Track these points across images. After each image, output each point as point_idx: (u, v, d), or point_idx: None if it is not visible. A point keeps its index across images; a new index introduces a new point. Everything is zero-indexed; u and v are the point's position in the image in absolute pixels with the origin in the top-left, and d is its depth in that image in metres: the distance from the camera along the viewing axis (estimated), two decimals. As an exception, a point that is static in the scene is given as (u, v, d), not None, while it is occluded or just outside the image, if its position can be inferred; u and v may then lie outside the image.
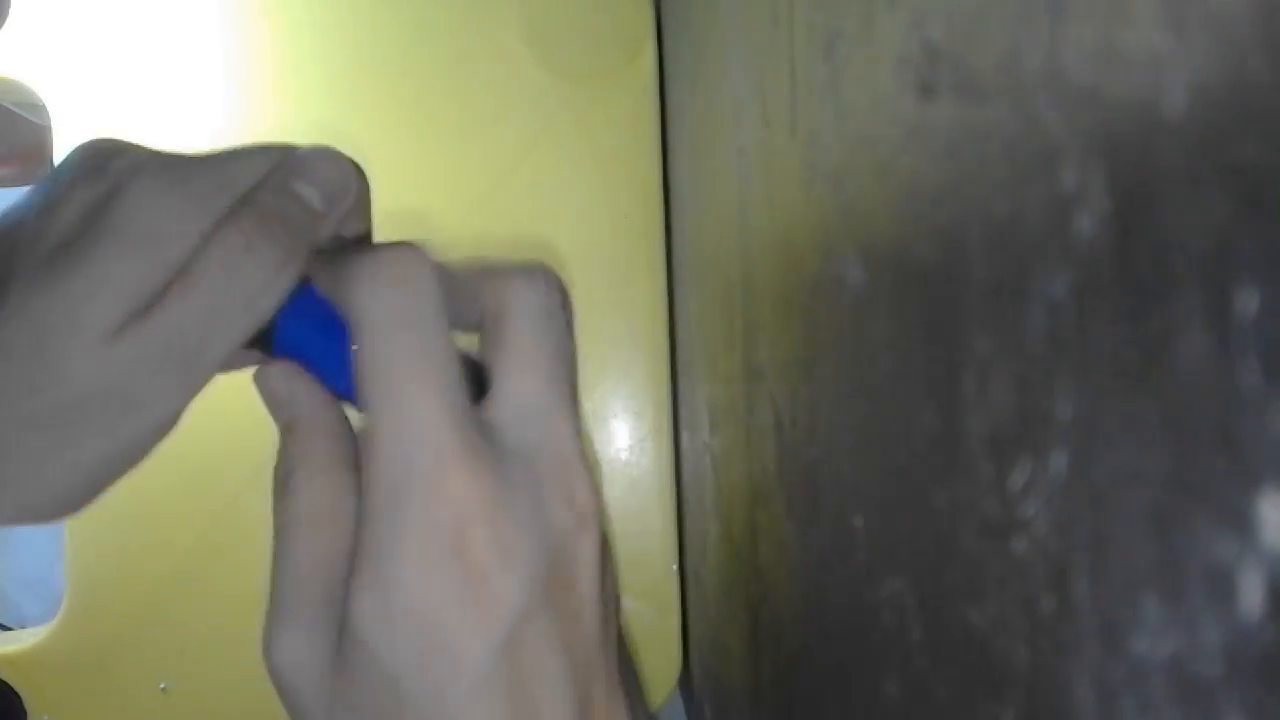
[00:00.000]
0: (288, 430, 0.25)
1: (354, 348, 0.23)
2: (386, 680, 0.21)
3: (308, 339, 0.26)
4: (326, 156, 0.27)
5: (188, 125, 0.53)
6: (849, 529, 0.24)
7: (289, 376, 0.25)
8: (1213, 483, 0.11)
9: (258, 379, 0.26)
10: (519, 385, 0.24)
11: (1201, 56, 0.11)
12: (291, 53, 0.53)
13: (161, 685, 0.52)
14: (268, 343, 0.26)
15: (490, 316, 0.25)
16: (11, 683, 0.52)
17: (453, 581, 0.21)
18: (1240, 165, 0.11)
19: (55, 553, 0.53)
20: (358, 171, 0.27)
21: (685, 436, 0.52)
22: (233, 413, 0.53)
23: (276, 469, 0.25)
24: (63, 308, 0.24)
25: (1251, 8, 0.10)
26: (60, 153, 0.52)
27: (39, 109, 0.53)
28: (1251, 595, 0.11)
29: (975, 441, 0.17)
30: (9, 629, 0.57)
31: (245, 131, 0.52)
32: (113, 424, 0.25)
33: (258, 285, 0.24)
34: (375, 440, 0.22)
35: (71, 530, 0.52)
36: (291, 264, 0.25)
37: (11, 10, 0.52)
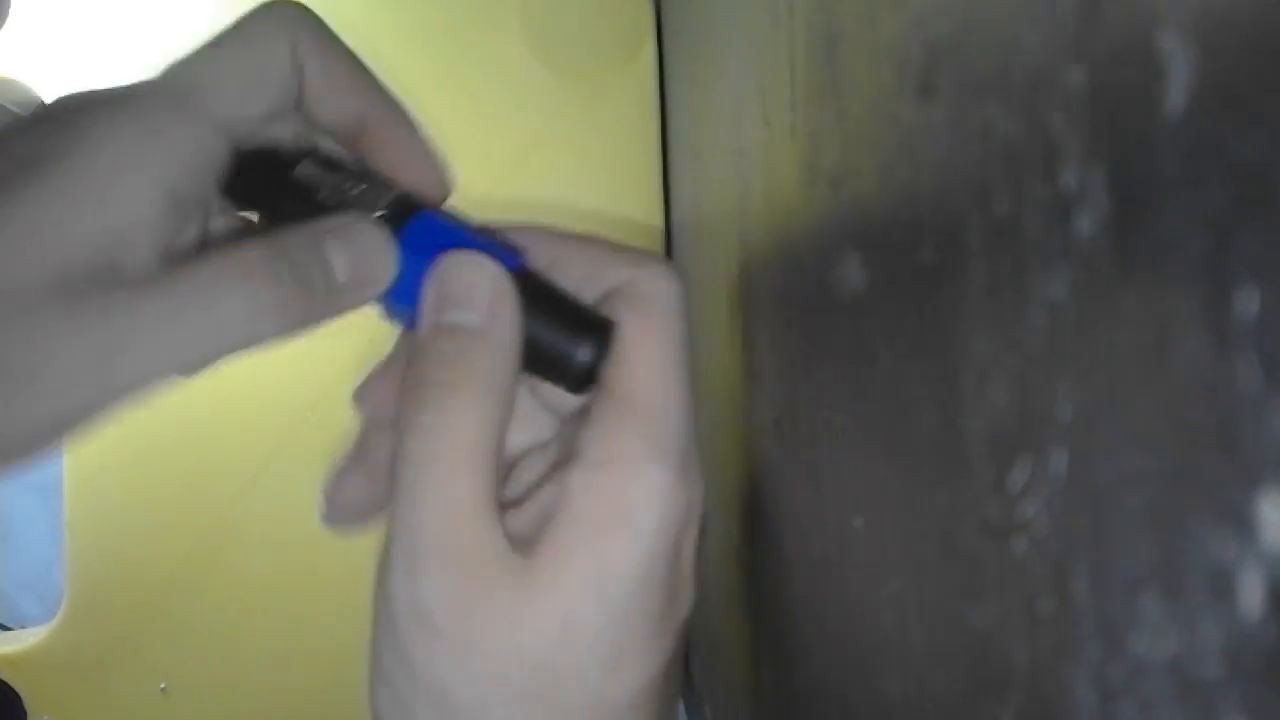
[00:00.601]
0: (469, 334, 0.23)
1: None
2: (580, 635, 0.22)
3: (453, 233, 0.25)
4: (373, 235, 0.24)
5: (188, 125, 0.53)
6: (849, 529, 0.24)
7: (505, 282, 0.24)
8: (1213, 483, 0.11)
9: (467, 260, 0.24)
10: (655, 353, 0.24)
11: (1201, 56, 0.11)
12: (291, 53, 0.53)
13: (161, 685, 0.52)
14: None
15: (620, 298, 0.24)
16: (11, 683, 0.52)
17: (675, 572, 0.23)
18: (1240, 165, 0.11)
19: (55, 553, 0.53)
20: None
21: (685, 436, 0.52)
22: (233, 413, 0.53)
23: (436, 373, 0.23)
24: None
25: (1251, 7, 0.10)
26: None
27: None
28: (1251, 595, 0.11)
29: (975, 441, 0.17)
30: (9, 629, 0.57)
31: (245, 131, 0.52)
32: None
33: (231, 321, 0.22)
34: (643, 397, 0.23)
35: (71, 530, 0.52)
36: (276, 321, 0.22)
37: (11, 10, 0.52)
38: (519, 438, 0.27)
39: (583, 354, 0.24)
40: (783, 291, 0.30)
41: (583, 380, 0.24)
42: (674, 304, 0.24)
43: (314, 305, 0.23)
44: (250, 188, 0.26)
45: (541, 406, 0.27)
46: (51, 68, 0.52)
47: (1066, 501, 0.14)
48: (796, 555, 0.30)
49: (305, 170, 0.26)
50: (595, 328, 0.24)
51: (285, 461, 0.50)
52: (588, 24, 0.53)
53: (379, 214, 0.25)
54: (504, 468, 0.26)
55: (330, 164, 0.27)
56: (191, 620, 0.52)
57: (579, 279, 0.25)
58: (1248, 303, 0.11)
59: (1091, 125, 0.13)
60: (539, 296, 0.24)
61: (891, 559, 0.22)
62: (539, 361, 0.24)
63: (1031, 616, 0.15)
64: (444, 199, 0.28)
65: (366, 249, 0.24)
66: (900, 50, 0.20)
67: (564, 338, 0.24)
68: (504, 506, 0.24)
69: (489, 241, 0.25)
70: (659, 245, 0.54)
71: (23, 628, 0.57)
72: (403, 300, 0.24)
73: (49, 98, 0.52)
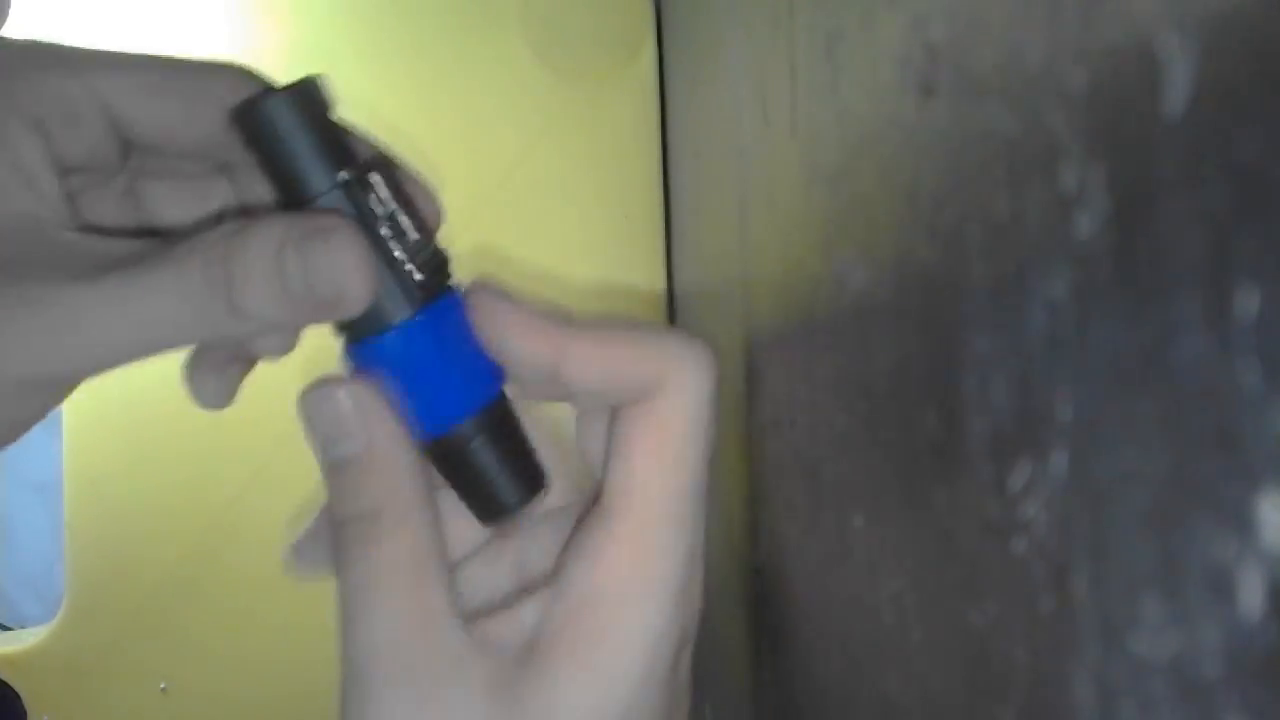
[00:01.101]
0: (356, 464, 0.22)
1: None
2: None
3: (420, 359, 0.22)
4: (333, 261, 0.21)
5: (188, 125, 0.53)
6: (849, 529, 0.24)
7: (369, 399, 0.22)
8: (1213, 483, 0.11)
9: (314, 398, 0.22)
10: (667, 486, 0.22)
11: (1201, 56, 0.11)
12: (291, 53, 0.53)
13: (161, 685, 0.52)
14: (351, 339, 0.22)
15: (643, 394, 0.22)
16: (11, 683, 0.52)
17: (666, 693, 0.22)
18: (1240, 165, 0.11)
19: (55, 553, 0.53)
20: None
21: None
22: (233, 414, 0.53)
23: (343, 505, 0.22)
24: None
25: (1251, 7, 0.10)
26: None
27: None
28: (1251, 595, 0.11)
29: (975, 441, 0.17)
30: (9, 629, 0.57)
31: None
32: None
33: (180, 319, 0.21)
34: (643, 532, 0.22)
35: (71, 530, 0.52)
36: (228, 326, 0.21)
37: (11, 10, 0.52)
38: (459, 542, 0.26)
39: (507, 500, 0.23)
40: (783, 291, 0.30)
41: (497, 520, 0.24)
42: (701, 423, 0.22)
43: (264, 318, 0.21)
44: (271, 130, 0.22)
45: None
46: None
47: (1066, 501, 0.14)
48: (796, 555, 0.29)
49: (366, 164, 0.23)
50: (530, 483, 0.24)
51: (285, 462, 0.50)
52: (588, 24, 0.53)
53: (418, 278, 0.22)
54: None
55: (397, 186, 0.24)
56: (191, 620, 0.52)
57: (609, 375, 0.23)
58: (1248, 303, 0.11)
59: (1091, 125, 0.13)
60: (500, 428, 0.23)
61: (891, 559, 0.22)
62: (467, 484, 0.24)
63: (1031, 616, 0.15)
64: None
65: (335, 269, 0.21)
66: (900, 50, 0.20)
67: (502, 479, 0.23)
68: (473, 615, 0.23)
69: (473, 362, 0.23)
70: (659, 245, 0.54)
71: (23, 628, 0.57)
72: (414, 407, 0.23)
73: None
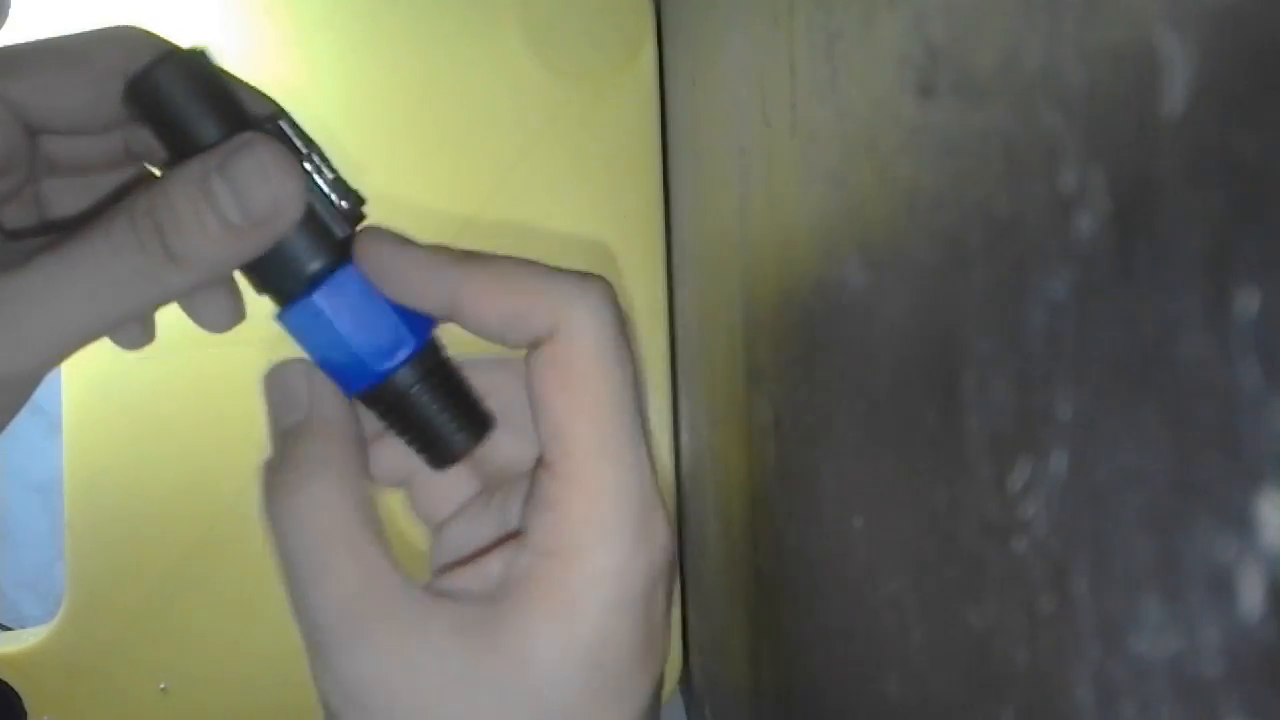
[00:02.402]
0: (300, 432, 0.23)
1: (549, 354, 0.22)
2: (541, 705, 0.21)
3: (338, 324, 0.23)
4: (262, 171, 0.21)
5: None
6: (849, 529, 0.24)
7: (308, 373, 0.23)
8: (1213, 483, 0.11)
9: (271, 375, 0.24)
10: (591, 428, 0.22)
11: (1201, 56, 0.11)
12: (291, 53, 0.53)
13: (161, 685, 0.52)
14: (285, 303, 0.23)
15: (545, 336, 0.22)
16: (11, 683, 0.52)
17: (639, 630, 0.22)
18: (1240, 165, 0.11)
19: (55, 553, 0.53)
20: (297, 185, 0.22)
21: (685, 436, 0.52)
22: (233, 413, 0.53)
23: (280, 475, 0.23)
24: None
25: (1251, 7, 0.10)
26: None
27: (39, 109, 0.53)
28: (1251, 595, 0.11)
29: (975, 441, 0.17)
30: (9, 629, 0.57)
31: (245, 131, 0.52)
32: None
33: (123, 281, 0.21)
34: (583, 476, 0.22)
35: (71, 530, 0.52)
36: (172, 277, 0.21)
37: (11, 10, 0.52)
38: (444, 502, 0.27)
39: (456, 443, 0.24)
40: (783, 291, 0.30)
41: (445, 464, 0.25)
42: (606, 360, 0.22)
43: (204, 259, 0.21)
44: (160, 96, 0.23)
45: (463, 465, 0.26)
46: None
47: (1066, 501, 0.14)
48: (796, 555, 0.30)
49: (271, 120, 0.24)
50: (475, 426, 0.24)
51: (285, 461, 0.50)
52: (587, 24, 0.53)
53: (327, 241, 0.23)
54: (435, 530, 0.27)
55: (303, 134, 0.24)
56: (191, 620, 0.52)
57: (505, 320, 0.23)
58: (1248, 303, 0.11)
59: (1091, 125, 0.13)
60: (433, 376, 0.24)
61: (891, 559, 0.22)
62: (416, 434, 0.24)
63: (1031, 616, 0.15)
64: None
65: (262, 178, 0.21)
66: (900, 50, 0.20)
67: (444, 423, 0.24)
68: (443, 569, 0.24)
69: (401, 310, 0.24)
70: (659, 245, 0.54)
71: (23, 628, 0.57)
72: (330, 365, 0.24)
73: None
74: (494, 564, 0.23)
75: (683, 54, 0.49)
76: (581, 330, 0.22)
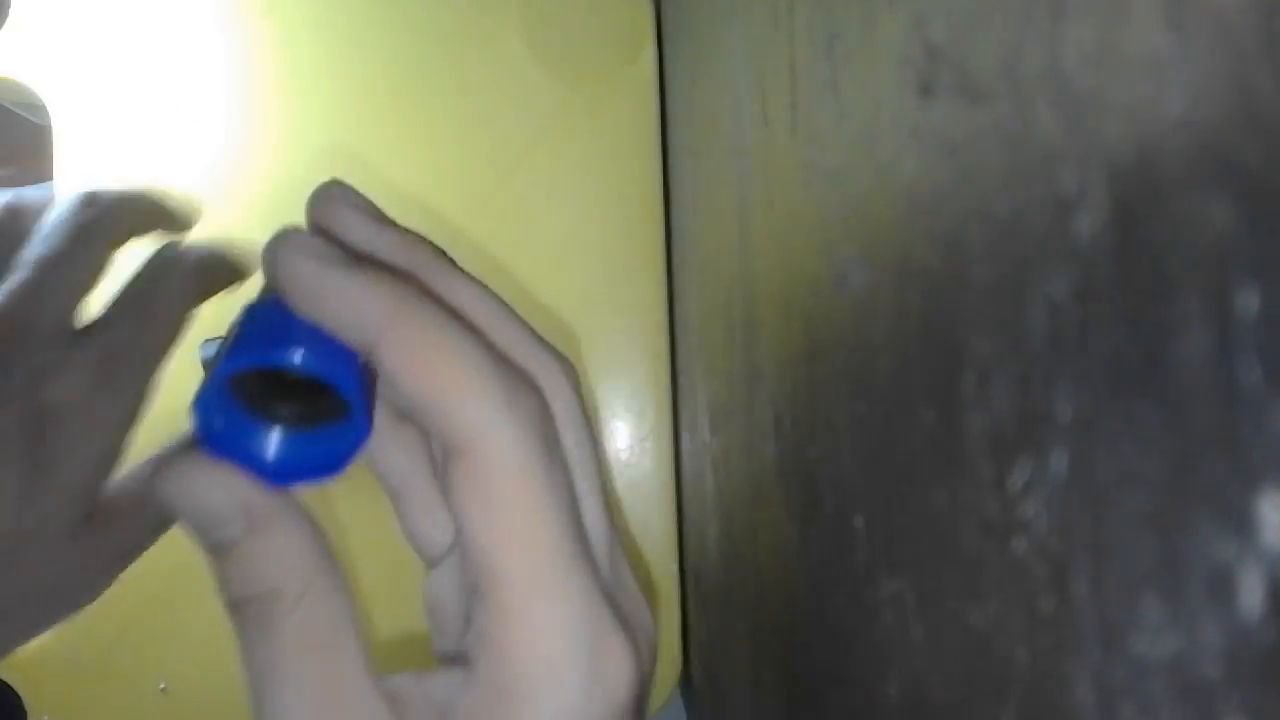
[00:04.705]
0: (240, 548, 0.20)
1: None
2: None
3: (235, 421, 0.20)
4: (184, 488, 0.20)
5: (188, 125, 0.53)
6: (849, 529, 0.24)
7: (235, 477, 0.20)
8: (1213, 483, 0.11)
9: (175, 480, 0.20)
10: (524, 560, 0.20)
11: (1201, 57, 0.11)
12: (292, 53, 0.53)
13: (161, 685, 0.52)
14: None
15: (461, 445, 0.20)
16: (11, 683, 0.52)
17: None
18: (1240, 166, 0.11)
19: (55, 553, 0.53)
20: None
21: (685, 436, 0.52)
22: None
23: (240, 593, 0.20)
24: None
25: (1251, 8, 0.10)
26: (60, 153, 0.52)
27: (39, 109, 0.53)
28: (1251, 595, 0.11)
29: (975, 441, 0.17)
30: (9, 629, 0.57)
31: (245, 131, 0.52)
32: None
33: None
34: (520, 614, 0.20)
35: (71, 530, 0.52)
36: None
37: (12, 10, 0.52)
38: (431, 545, 0.24)
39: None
40: (783, 291, 0.30)
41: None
42: (533, 479, 0.20)
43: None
44: None
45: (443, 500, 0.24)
46: (51, 68, 0.52)
47: (1066, 501, 0.14)
48: (797, 555, 0.30)
49: None
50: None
51: (285, 461, 0.50)
52: (588, 24, 0.53)
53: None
54: (426, 568, 0.24)
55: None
56: (191, 620, 0.52)
57: (417, 401, 0.20)
58: (1248, 303, 0.11)
59: (1091, 125, 0.13)
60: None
61: (891, 559, 0.22)
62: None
63: (1031, 616, 0.15)
64: None
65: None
66: (900, 50, 0.20)
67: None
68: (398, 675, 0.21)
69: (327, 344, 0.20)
70: (659, 245, 0.54)
71: (23, 628, 0.57)
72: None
73: (49, 98, 0.52)
74: (440, 686, 0.21)
75: (683, 54, 0.49)
76: (503, 445, 0.19)
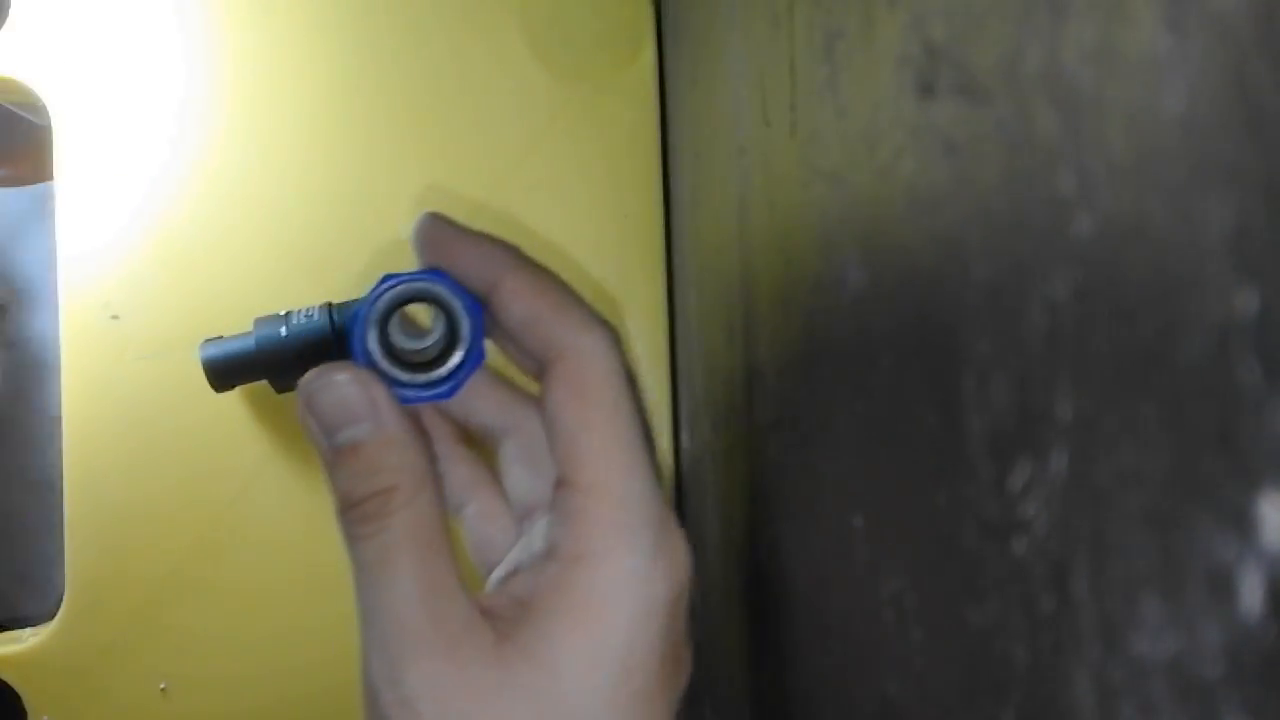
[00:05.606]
0: (368, 446, 0.23)
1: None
2: (570, 712, 0.22)
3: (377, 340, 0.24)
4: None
5: (188, 124, 0.52)
6: (849, 529, 0.24)
7: (371, 383, 0.23)
8: (1213, 483, 0.11)
9: (321, 383, 0.23)
10: (607, 440, 0.23)
11: (1201, 57, 0.11)
12: (292, 52, 0.53)
13: (161, 685, 0.52)
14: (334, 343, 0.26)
15: (556, 355, 0.24)
16: (11, 683, 0.52)
17: (664, 641, 0.23)
18: (1240, 166, 0.11)
19: (55, 553, 0.53)
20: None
21: (685, 436, 0.52)
22: (233, 413, 0.53)
23: (355, 486, 0.23)
24: None
25: (1251, 9, 0.10)
26: (60, 153, 0.52)
27: (39, 109, 0.53)
28: (1251, 595, 0.11)
29: (975, 441, 0.17)
30: (9, 629, 0.57)
31: (245, 131, 0.52)
32: None
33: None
34: (601, 485, 0.23)
35: (71, 530, 0.52)
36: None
37: (12, 10, 0.52)
38: (491, 549, 0.28)
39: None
40: (783, 291, 0.30)
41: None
42: (615, 382, 0.24)
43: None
44: None
45: (504, 509, 0.28)
46: (51, 68, 0.52)
47: (1066, 501, 0.14)
48: (796, 555, 0.29)
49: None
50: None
51: (285, 462, 0.50)
52: (588, 24, 0.53)
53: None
54: (485, 576, 0.28)
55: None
56: (191, 620, 0.52)
57: (527, 321, 0.25)
58: (1248, 303, 0.11)
59: (1092, 125, 0.13)
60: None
61: (891, 559, 0.22)
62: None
63: (1031, 616, 0.15)
64: None
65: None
66: (900, 50, 0.20)
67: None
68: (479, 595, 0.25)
69: (455, 285, 0.25)
70: (659, 245, 0.54)
71: (23, 628, 0.57)
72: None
73: (49, 98, 0.52)
74: (521, 581, 0.24)
75: (683, 54, 0.49)
76: (594, 353, 0.24)
